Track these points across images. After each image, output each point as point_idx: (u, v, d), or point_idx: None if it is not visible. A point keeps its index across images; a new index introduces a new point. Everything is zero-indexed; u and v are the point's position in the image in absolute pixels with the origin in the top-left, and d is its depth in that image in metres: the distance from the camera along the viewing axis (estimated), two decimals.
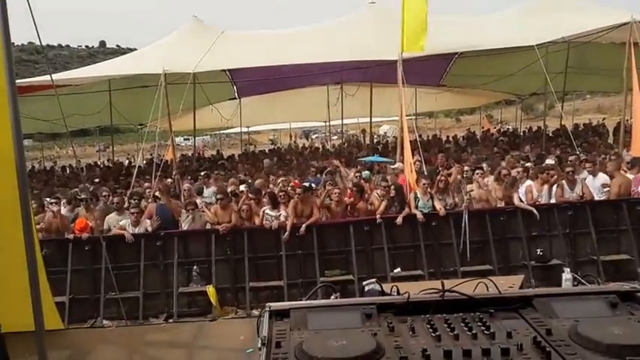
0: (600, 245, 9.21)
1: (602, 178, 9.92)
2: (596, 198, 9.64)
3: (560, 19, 13.42)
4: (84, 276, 9.14)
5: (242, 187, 11.08)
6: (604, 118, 24.23)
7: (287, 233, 9.07)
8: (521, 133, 23.14)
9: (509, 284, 3.21)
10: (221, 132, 36.49)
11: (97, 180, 14.93)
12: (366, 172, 12.02)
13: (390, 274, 8.97)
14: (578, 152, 11.95)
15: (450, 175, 10.54)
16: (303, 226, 9.09)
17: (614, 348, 1.73)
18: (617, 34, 12.29)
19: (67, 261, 9.08)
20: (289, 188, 10.09)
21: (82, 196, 10.43)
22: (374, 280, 2.90)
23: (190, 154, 21.74)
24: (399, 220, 9.14)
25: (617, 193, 9.59)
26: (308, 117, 27.15)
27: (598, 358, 1.72)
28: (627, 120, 13.14)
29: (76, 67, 26.83)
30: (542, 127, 19.38)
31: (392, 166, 12.40)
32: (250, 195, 10.06)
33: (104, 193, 11.05)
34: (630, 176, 9.82)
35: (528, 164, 11.36)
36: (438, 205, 9.32)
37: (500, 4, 19.33)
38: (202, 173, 13.25)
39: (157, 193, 10.69)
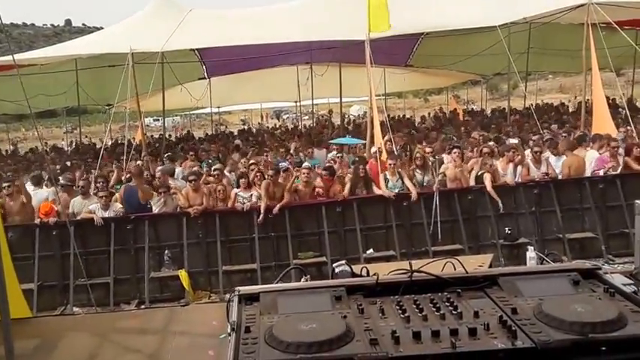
0: (565, 223, 9.41)
1: (563, 157, 10.16)
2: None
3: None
4: (52, 262, 9.01)
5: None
6: (569, 101, 24.65)
7: (261, 216, 9.05)
8: (489, 113, 23.42)
9: (478, 263, 3.29)
10: (191, 112, 36.03)
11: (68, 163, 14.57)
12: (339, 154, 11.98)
13: (362, 255, 9.05)
14: (542, 132, 12.15)
15: (426, 152, 10.61)
16: (277, 206, 9.07)
17: (577, 325, 1.78)
18: (576, 14, 12.46)
19: (34, 247, 8.92)
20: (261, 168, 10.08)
21: (63, 182, 10.15)
22: (344, 261, 2.91)
23: (159, 135, 21.46)
24: (388, 194, 9.19)
25: (567, 174, 9.80)
26: (279, 97, 27.04)
27: (561, 336, 1.77)
28: (587, 100, 13.40)
29: (42, 46, 26.15)
30: (507, 107, 19.65)
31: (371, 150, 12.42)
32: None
33: (69, 176, 10.83)
34: (594, 152, 10.02)
35: (491, 143, 11.47)
36: (409, 184, 9.40)
37: None
38: (166, 155, 13.10)
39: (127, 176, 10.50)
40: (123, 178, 10.57)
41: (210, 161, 11.54)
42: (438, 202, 9.11)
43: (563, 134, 12.14)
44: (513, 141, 11.64)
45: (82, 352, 7.09)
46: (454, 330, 1.80)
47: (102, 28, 21.82)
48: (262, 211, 9.06)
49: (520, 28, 14.15)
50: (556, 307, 1.90)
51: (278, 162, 11.26)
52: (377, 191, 9.42)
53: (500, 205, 9.30)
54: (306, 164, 10.63)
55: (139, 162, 11.74)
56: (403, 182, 9.47)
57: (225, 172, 10.63)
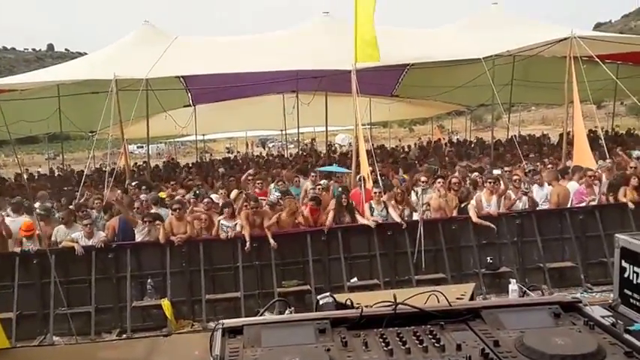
0: (546, 253, 9.56)
1: (548, 188, 10.31)
2: (540, 207, 10.01)
3: (506, 33, 13.90)
4: (32, 291, 8.88)
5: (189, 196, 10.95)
6: (546, 134, 25.03)
7: (248, 243, 9.02)
8: (471, 143, 23.69)
9: (461, 292, 3.30)
10: (176, 140, 36.00)
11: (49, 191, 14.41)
12: (324, 181, 12.01)
13: (346, 283, 9.05)
14: (525, 163, 12.31)
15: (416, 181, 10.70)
16: (272, 241, 9.08)
17: (557, 358, 1.82)
18: (559, 48, 12.79)
19: (13, 275, 8.78)
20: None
21: (39, 211, 10.04)
22: (328, 293, 2.92)
23: (144, 162, 21.36)
24: (372, 223, 9.26)
25: (556, 202, 9.99)
26: (264, 125, 27.08)
27: None
28: (569, 131, 13.64)
29: (23, 71, 26.03)
30: (491, 138, 19.91)
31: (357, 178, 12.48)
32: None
33: (48, 205, 10.72)
34: (574, 184, 10.19)
35: (475, 174, 11.60)
36: (394, 214, 9.47)
37: (444, 19, 19.90)
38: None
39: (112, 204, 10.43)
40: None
41: (197, 191, 11.46)
42: (422, 232, 9.16)
43: (549, 165, 12.30)
44: (496, 171, 11.77)
45: None
46: None
47: (85, 54, 21.82)
48: (247, 239, 9.03)
49: (504, 60, 14.46)
50: (537, 340, 1.93)
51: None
52: (360, 220, 9.45)
53: (493, 225, 9.45)
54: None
55: (118, 191, 11.62)
56: (388, 212, 9.52)
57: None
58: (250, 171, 14.02)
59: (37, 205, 10.79)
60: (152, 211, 9.96)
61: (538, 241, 9.56)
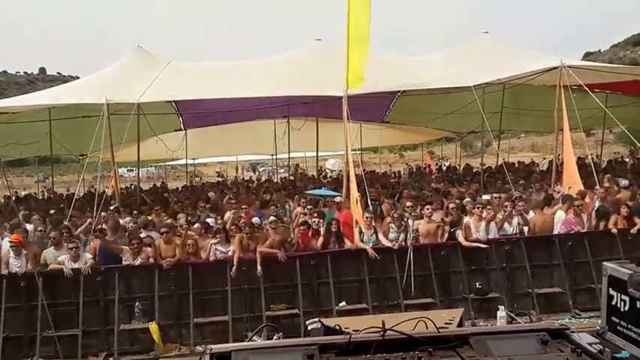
0: (535, 279, 9.60)
1: (531, 215, 10.42)
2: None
3: (496, 62, 14.10)
4: (19, 313, 8.79)
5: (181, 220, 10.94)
6: (535, 162, 25.26)
7: (234, 268, 9.01)
8: (455, 169, 23.83)
9: (449, 317, 3.33)
10: (166, 163, 35.91)
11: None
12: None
13: (335, 307, 9.03)
14: (513, 190, 12.40)
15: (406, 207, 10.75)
16: (258, 267, 9.03)
17: None
18: (548, 77, 12.96)
19: (0, 297, 8.72)
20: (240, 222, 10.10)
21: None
22: (317, 319, 2.94)
23: (133, 186, 21.27)
24: (372, 253, 9.27)
25: (533, 231, 10.10)
26: (255, 150, 27.07)
27: None
28: (559, 158, 13.78)
29: (15, 94, 25.98)
30: (480, 165, 20.05)
31: (336, 199, 12.54)
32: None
33: (39, 228, 10.67)
34: (561, 213, 10.28)
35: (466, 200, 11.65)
36: (383, 240, 9.50)
37: (435, 47, 20.23)
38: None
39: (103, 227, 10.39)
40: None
41: (189, 216, 11.42)
42: (411, 257, 9.18)
43: (533, 193, 12.42)
44: (486, 197, 11.85)
45: None
46: None
47: (77, 77, 21.88)
48: (235, 263, 9.02)
49: (494, 88, 14.64)
50: None
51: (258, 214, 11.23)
52: (359, 245, 9.47)
53: (482, 245, 9.49)
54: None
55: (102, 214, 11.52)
56: (377, 236, 9.55)
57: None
58: (230, 195, 14.02)
59: (29, 227, 10.76)
60: (141, 234, 9.94)
61: (527, 267, 9.61)
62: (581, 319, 8.94)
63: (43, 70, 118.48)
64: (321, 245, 9.49)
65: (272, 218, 10.19)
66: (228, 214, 11.68)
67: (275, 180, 25.64)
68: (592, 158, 16.12)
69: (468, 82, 12.99)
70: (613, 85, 15.55)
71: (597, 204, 10.72)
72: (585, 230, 9.96)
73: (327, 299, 9.18)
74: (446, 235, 9.87)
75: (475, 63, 14.54)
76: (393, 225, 9.88)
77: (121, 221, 10.99)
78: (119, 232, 10.04)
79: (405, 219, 9.95)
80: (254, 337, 3.12)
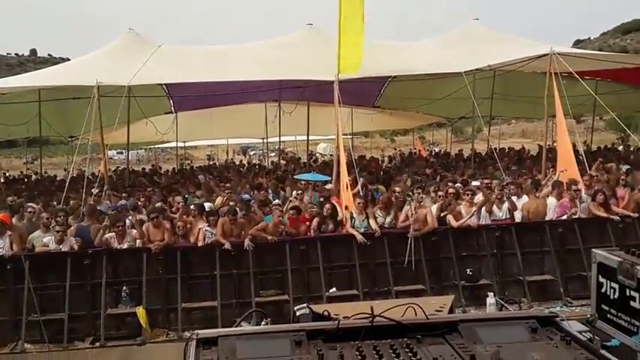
0: (525, 266, 9.58)
1: (525, 200, 10.39)
2: (518, 220, 10.07)
3: (487, 48, 14.07)
4: (5, 296, 8.68)
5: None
6: (528, 151, 25.24)
7: (227, 244, 8.93)
8: (448, 155, 23.84)
9: (440, 304, 3.30)
10: (156, 146, 35.65)
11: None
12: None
13: (325, 293, 8.99)
14: (504, 175, 12.40)
15: (394, 192, 10.71)
16: (246, 241, 8.99)
17: None
18: (538, 63, 12.93)
19: None
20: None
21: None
22: (305, 305, 2.91)
23: (122, 168, 21.10)
24: (361, 239, 9.19)
25: (526, 217, 10.07)
26: (246, 133, 27.05)
27: None
28: (550, 144, 13.77)
29: (5, 75, 25.60)
30: (471, 150, 20.07)
31: (327, 186, 12.49)
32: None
33: (29, 210, 10.55)
34: (552, 200, 10.27)
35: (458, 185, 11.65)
36: (374, 225, 9.45)
37: (426, 33, 20.11)
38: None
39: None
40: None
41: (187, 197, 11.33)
42: (412, 242, 9.16)
43: (526, 178, 12.39)
44: (476, 183, 11.83)
45: None
46: None
47: (68, 59, 21.62)
48: (226, 243, 8.94)
49: (485, 74, 14.61)
50: (513, 355, 1.96)
51: (241, 197, 11.16)
52: (350, 230, 9.40)
53: (473, 223, 9.47)
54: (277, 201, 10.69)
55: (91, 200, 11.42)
56: (369, 222, 9.50)
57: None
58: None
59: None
60: (129, 217, 9.85)
61: (518, 254, 9.58)
62: (573, 307, 8.94)
63: (33, 52, 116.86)
64: (317, 225, 9.41)
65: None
66: (219, 199, 11.59)
67: (264, 164, 25.53)
68: (583, 145, 16.15)
69: (458, 68, 12.96)
70: (603, 73, 15.54)
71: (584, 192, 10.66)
72: (578, 216, 9.91)
73: (317, 285, 9.13)
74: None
75: (466, 49, 14.56)
76: (379, 210, 9.81)
77: (100, 206, 10.84)
78: (94, 216, 9.85)
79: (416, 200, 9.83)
80: (242, 323, 3.09)
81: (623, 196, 10.50)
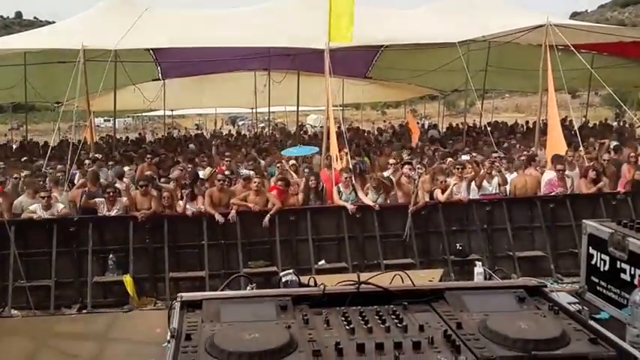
0: (516, 241, 9.53)
1: (513, 175, 10.37)
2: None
3: (481, 18, 13.86)
4: None
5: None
6: (527, 122, 25.21)
7: (217, 216, 8.87)
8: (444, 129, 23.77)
9: (428, 278, 3.29)
10: (143, 114, 35.19)
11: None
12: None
13: (314, 266, 8.95)
14: (496, 150, 12.35)
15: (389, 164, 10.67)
16: (232, 212, 8.90)
17: (520, 342, 1.81)
18: (534, 36, 12.80)
19: None
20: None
21: None
22: (291, 270, 2.88)
23: (107, 135, 20.87)
24: (352, 208, 9.13)
25: (513, 192, 10.03)
26: (235, 103, 26.71)
27: (505, 352, 1.79)
28: (543, 120, 13.72)
29: None
30: (463, 124, 20.01)
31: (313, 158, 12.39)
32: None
33: (15, 176, 10.42)
34: (551, 173, 10.22)
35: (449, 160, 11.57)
36: (364, 198, 9.40)
37: (416, 2, 19.76)
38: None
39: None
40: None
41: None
42: (410, 216, 9.13)
43: (521, 153, 12.33)
44: (465, 157, 11.77)
45: (18, 356, 6.88)
46: (398, 343, 1.81)
47: (54, 23, 21.09)
48: (216, 215, 8.89)
49: (479, 46, 14.46)
50: (500, 323, 1.93)
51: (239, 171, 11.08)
52: (338, 202, 9.35)
53: (464, 195, 9.45)
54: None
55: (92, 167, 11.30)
56: (357, 195, 9.45)
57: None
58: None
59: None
60: (116, 185, 9.74)
61: (508, 229, 9.52)
62: (563, 284, 8.91)
63: (19, 15, 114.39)
64: (301, 202, 9.36)
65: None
66: (208, 169, 11.48)
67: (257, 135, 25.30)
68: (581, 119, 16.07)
69: (452, 38, 12.76)
70: (599, 46, 15.41)
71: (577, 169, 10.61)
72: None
73: (306, 257, 9.09)
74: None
75: (460, 18, 14.30)
76: (371, 190, 9.75)
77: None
78: (97, 182, 9.80)
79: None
80: (226, 289, 3.06)
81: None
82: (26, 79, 16.21)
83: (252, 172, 10.45)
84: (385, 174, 10.40)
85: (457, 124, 24.02)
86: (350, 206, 9.18)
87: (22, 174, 10.69)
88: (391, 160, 11.17)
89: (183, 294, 2.25)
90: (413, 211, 9.18)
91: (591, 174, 9.84)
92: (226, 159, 12.38)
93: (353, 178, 9.58)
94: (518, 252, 9.47)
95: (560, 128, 11.45)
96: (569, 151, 10.96)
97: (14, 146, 20.97)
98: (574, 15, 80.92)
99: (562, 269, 9.39)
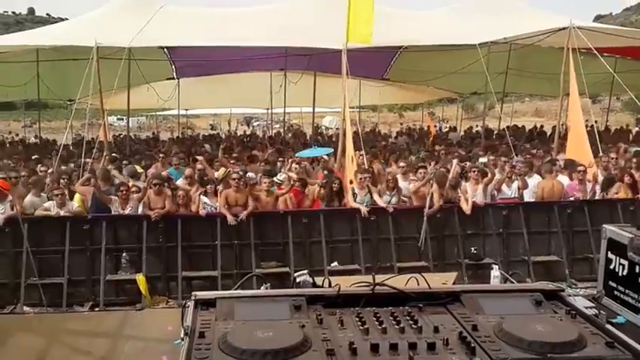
0: (531, 246, 9.43)
1: (536, 179, 10.18)
2: (527, 199, 9.91)
3: (503, 20, 13.69)
4: (3, 259, 8.63)
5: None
6: (542, 126, 24.93)
7: (229, 217, 8.81)
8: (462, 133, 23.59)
9: (442, 281, 3.25)
10: (157, 113, 35.31)
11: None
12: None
13: (327, 267, 8.89)
14: (514, 155, 12.16)
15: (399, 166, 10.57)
16: (243, 214, 8.86)
17: (537, 345, 1.81)
18: (556, 38, 12.57)
19: None
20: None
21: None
22: (305, 271, 2.86)
23: (122, 135, 20.97)
24: (365, 211, 9.07)
25: (540, 196, 9.88)
26: (250, 103, 26.65)
27: (520, 354, 1.79)
28: (562, 124, 13.50)
29: (1, 33, 25.33)
30: (482, 127, 19.80)
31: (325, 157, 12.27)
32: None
33: (23, 173, 10.48)
34: (564, 178, 10.07)
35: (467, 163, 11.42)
36: (379, 200, 9.32)
37: (439, 2, 19.62)
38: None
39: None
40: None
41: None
42: (426, 219, 9.05)
43: (544, 157, 12.14)
44: (483, 160, 11.63)
45: (30, 352, 6.94)
46: (413, 344, 1.81)
47: (67, 19, 21.21)
48: (228, 216, 8.84)
49: (500, 48, 14.20)
50: (516, 326, 1.92)
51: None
52: (352, 204, 9.27)
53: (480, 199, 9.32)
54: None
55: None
56: (372, 197, 9.36)
57: None
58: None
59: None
60: (130, 184, 9.75)
61: (524, 234, 9.41)
62: (578, 289, 8.82)
63: (31, 11, 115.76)
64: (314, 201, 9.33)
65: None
66: (222, 170, 11.44)
67: (272, 136, 25.29)
68: (598, 125, 15.84)
69: (473, 40, 12.60)
70: (623, 50, 15.11)
71: (600, 173, 10.44)
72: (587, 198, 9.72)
73: (319, 259, 9.03)
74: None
75: (481, 19, 14.13)
76: (387, 191, 9.65)
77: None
78: (110, 181, 9.82)
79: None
80: (239, 288, 3.05)
81: None
82: (39, 76, 16.20)
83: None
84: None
85: (471, 127, 23.84)
86: (364, 209, 9.10)
87: (22, 173, 10.69)
88: (401, 163, 11.05)
89: (197, 292, 2.27)
90: (429, 214, 9.06)
91: (627, 179, 9.65)
92: (232, 161, 12.25)
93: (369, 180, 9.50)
94: (533, 256, 9.37)
95: (585, 136, 11.20)
96: (603, 157, 10.81)
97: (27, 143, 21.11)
98: (598, 18, 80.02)
99: (576, 274, 9.31)
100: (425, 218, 9.05)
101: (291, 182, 9.82)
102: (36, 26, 25.61)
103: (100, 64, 11.83)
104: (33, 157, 13.71)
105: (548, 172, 10.17)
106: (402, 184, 10.01)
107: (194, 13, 15.62)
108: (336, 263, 9.06)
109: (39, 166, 11.82)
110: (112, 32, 12.72)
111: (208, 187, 9.29)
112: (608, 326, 2.00)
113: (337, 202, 9.43)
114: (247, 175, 10.35)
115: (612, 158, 11.38)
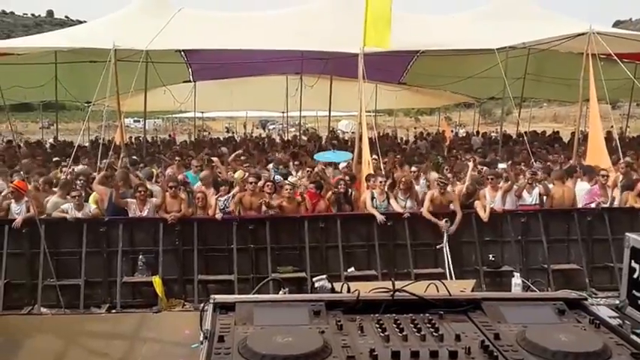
0: (551, 254, 9.29)
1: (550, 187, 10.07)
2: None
3: (522, 25, 13.58)
4: (21, 260, 8.71)
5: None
6: (557, 132, 24.63)
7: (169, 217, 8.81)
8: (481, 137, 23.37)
9: (460, 288, 3.21)
10: (174, 116, 35.51)
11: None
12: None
13: (343, 273, 8.85)
14: (533, 160, 12.04)
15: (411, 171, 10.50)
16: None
17: (560, 354, 1.77)
18: (575, 43, 12.46)
19: (2, 243, 8.63)
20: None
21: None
22: (324, 276, 2.83)
23: (140, 138, 21.06)
24: (381, 218, 9.01)
25: (549, 204, 9.75)
26: (265, 106, 26.68)
27: None
28: (582, 130, 13.34)
29: (21, 35, 25.62)
30: (499, 133, 19.63)
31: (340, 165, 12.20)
32: None
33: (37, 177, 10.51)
34: (584, 184, 9.91)
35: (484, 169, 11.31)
36: (395, 205, 9.26)
37: (456, 7, 19.55)
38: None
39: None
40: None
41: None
42: (446, 235, 8.98)
43: (564, 163, 12.00)
44: (502, 166, 11.52)
45: (46, 353, 6.99)
46: (434, 352, 1.78)
47: (85, 22, 21.39)
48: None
49: (518, 53, 14.07)
50: (539, 335, 1.89)
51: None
52: (370, 209, 9.22)
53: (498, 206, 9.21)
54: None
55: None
56: (389, 202, 9.31)
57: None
58: (239, 151, 13.83)
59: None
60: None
61: (543, 242, 9.28)
62: (598, 299, 8.68)
63: (50, 13, 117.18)
64: (329, 204, 9.27)
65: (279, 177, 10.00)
66: (240, 172, 11.43)
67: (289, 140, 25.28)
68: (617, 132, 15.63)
69: (491, 45, 12.50)
70: None
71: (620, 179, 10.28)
72: (607, 205, 9.56)
73: (336, 264, 8.99)
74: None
75: (499, 24, 14.02)
76: (400, 194, 9.59)
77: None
78: (128, 183, 9.84)
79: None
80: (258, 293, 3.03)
81: None
82: (57, 78, 16.34)
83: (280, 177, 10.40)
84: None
85: (485, 132, 23.57)
86: (379, 217, 9.04)
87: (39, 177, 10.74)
88: (413, 168, 10.97)
89: (216, 296, 2.26)
90: (452, 231, 8.99)
91: (638, 187, 9.46)
92: (245, 164, 12.17)
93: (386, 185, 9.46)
94: (552, 265, 9.23)
95: (603, 142, 11.06)
96: (622, 163, 10.62)
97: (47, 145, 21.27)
98: (617, 23, 79.19)
99: (596, 283, 9.15)
100: (445, 234, 8.95)
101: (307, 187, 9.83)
102: (55, 28, 25.89)
103: (117, 66, 11.93)
104: (53, 160, 13.80)
105: (558, 179, 10.07)
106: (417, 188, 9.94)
107: (211, 17, 15.70)
108: (352, 269, 9.01)
109: (59, 167, 11.92)
110: (129, 35, 12.80)
111: (222, 188, 9.34)
112: (634, 337, 1.96)
113: (349, 206, 9.36)
114: (275, 178, 10.32)
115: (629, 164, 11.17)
